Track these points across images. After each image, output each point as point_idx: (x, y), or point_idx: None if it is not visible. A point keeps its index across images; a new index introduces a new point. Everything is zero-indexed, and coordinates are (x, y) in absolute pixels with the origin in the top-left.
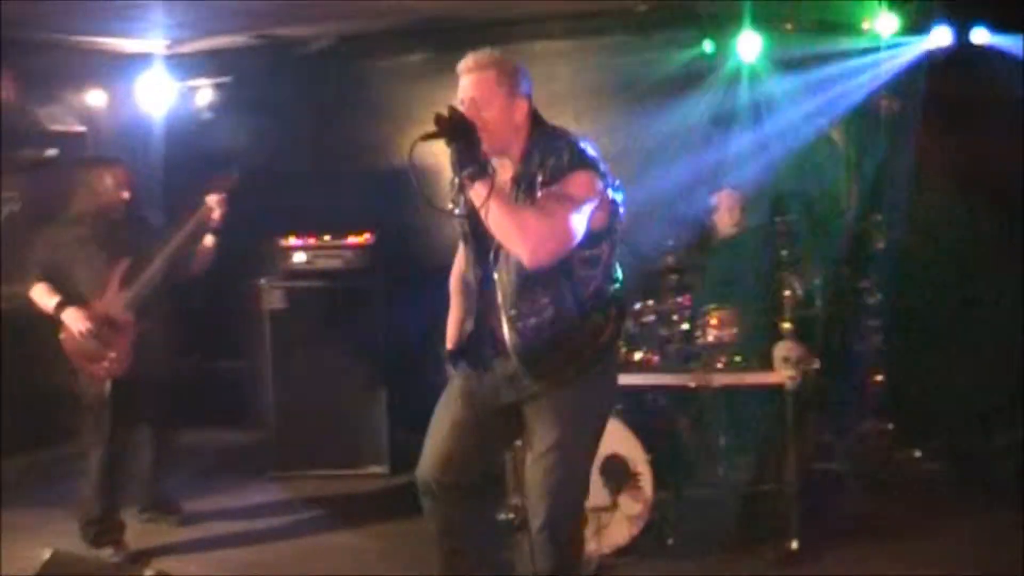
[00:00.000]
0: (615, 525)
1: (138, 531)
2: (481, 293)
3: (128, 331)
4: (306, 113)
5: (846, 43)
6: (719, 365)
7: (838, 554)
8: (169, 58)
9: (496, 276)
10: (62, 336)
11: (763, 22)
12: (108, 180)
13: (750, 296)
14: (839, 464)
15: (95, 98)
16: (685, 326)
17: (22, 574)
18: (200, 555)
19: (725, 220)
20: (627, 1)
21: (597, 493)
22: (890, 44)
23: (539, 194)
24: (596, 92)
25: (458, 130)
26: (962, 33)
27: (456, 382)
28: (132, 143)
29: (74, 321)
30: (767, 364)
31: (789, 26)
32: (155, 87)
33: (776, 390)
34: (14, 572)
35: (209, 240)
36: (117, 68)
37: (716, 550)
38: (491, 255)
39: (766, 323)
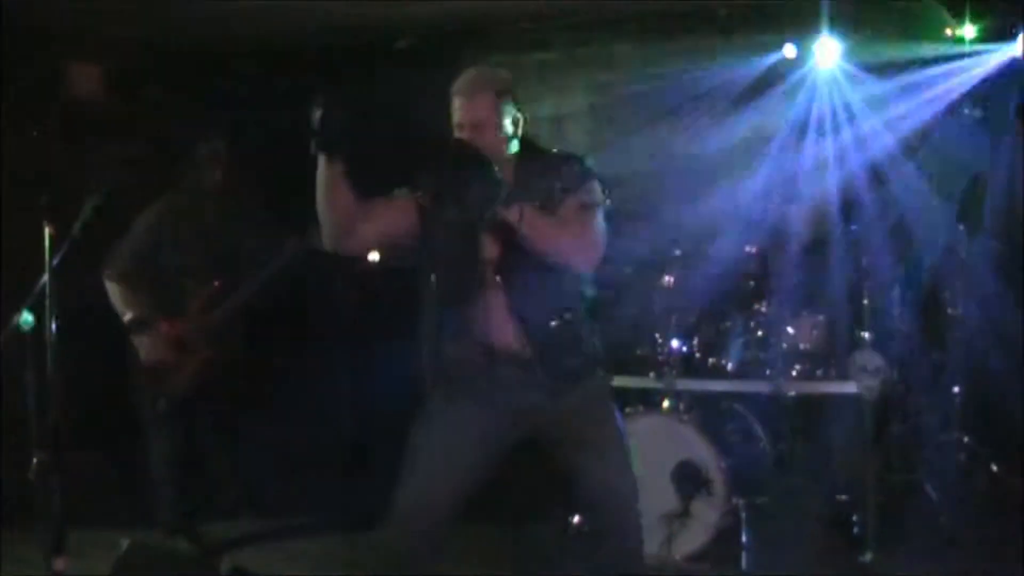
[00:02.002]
0: (687, 532)
1: (214, 525)
2: (468, 311)
3: (197, 355)
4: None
5: (928, 50)
6: (795, 373)
7: (913, 567)
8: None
9: (494, 289)
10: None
11: (842, 27)
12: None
13: (828, 304)
14: (916, 475)
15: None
16: (761, 333)
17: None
18: (277, 549)
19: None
20: (707, 2)
21: (669, 499)
22: (974, 51)
23: (565, 204)
24: (674, 95)
25: (476, 162)
26: None
27: (449, 415)
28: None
29: (143, 347)
30: (844, 373)
31: (869, 31)
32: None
33: (854, 399)
34: (95, 560)
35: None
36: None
37: (789, 560)
38: (486, 269)
39: (844, 332)
